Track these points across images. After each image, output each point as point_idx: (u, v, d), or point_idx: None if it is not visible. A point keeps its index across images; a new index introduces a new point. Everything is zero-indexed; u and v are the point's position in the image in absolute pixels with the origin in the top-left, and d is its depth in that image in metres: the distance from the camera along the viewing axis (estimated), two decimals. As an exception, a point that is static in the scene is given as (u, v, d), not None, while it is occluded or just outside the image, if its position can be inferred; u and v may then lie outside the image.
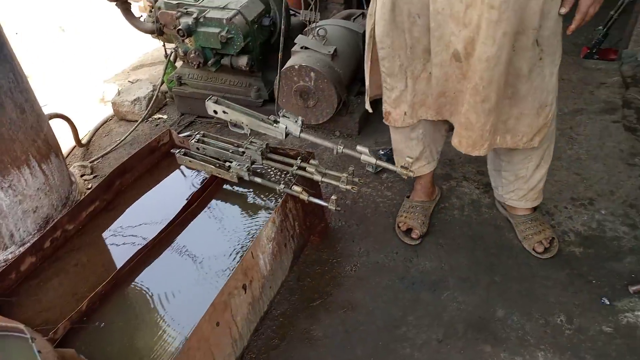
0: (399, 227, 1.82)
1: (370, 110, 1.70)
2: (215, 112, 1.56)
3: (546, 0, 1.18)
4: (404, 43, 1.40)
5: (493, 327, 1.49)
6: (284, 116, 1.49)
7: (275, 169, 1.71)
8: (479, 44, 1.23)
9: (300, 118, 1.49)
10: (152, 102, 2.63)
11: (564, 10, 1.23)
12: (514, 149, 1.52)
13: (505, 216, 1.83)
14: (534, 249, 1.69)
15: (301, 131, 1.51)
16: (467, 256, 1.72)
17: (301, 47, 2.31)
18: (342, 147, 1.46)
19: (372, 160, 1.46)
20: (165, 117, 2.68)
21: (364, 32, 2.51)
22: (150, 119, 2.66)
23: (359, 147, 1.45)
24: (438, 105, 1.49)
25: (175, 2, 2.38)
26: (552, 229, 1.74)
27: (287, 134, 1.52)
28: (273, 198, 1.64)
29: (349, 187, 1.56)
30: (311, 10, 2.80)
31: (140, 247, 1.45)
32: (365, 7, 3.55)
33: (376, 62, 1.51)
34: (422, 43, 1.37)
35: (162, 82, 2.71)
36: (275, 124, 1.51)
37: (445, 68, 1.37)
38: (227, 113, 1.55)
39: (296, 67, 2.21)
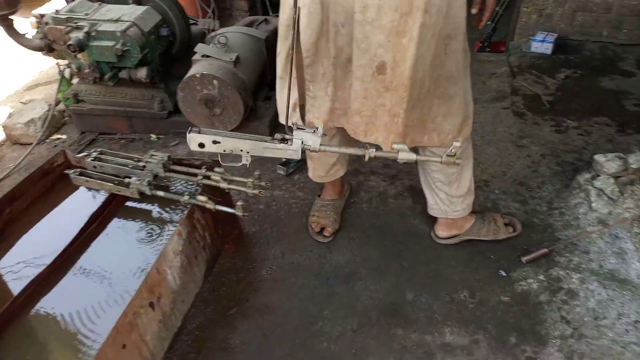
0: (311, 227, 1.85)
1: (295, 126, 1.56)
2: (202, 145, 1.26)
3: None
4: (327, 52, 1.36)
5: (404, 310, 1.56)
6: (298, 129, 1.26)
7: (185, 180, 1.67)
8: (410, 51, 1.22)
9: (320, 126, 1.25)
10: (47, 122, 2.48)
11: (474, 10, 1.30)
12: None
13: (466, 239, 1.77)
14: (509, 233, 1.76)
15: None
16: (377, 246, 1.78)
17: (202, 56, 2.28)
18: (374, 152, 1.26)
19: (413, 156, 1.24)
20: (64, 137, 2.53)
21: (267, 37, 2.54)
22: (47, 141, 2.50)
23: (395, 145, 1.25)
24: (354, 124, 1.46)
25: (64, 17, 2.26)
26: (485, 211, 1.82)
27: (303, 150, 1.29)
28: (181, 210, 1.61)
29: (256, 191, 1.56)
30: (210, 18, 2.78)
31: (34, 276, 1.36)
32: (270, 13, 3.58)
33: (301, 70, 1.40)
34: (346, 52, 1.33)
35: (59, 101, 2.57)
36: (285, 142, 1.26)
37: (366, 84, 1.34)
38: (219, 143, 1.27)
39: (198, 75, 2.18)
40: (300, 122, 1.49)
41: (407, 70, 1.25)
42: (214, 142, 1.27)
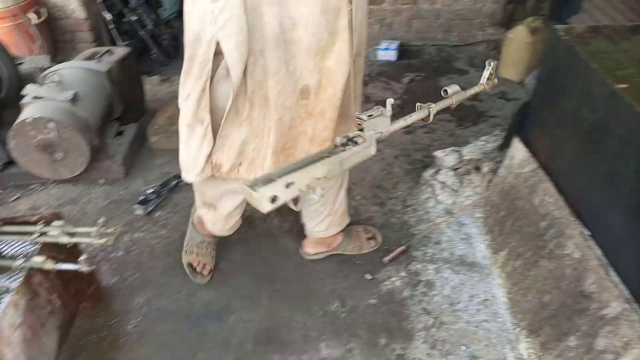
0: (191, 266, 1.72)
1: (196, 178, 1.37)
2: (275, 198, 0.89)
3: None
4: (244, 86, 1.20)
5: (279, 334, 1.55)
6: (369, 116, 1.02)
7: (22, 241, 1.49)
8: (341, 73, 1.17)
9: (389, 101, 1.02)
10: None
11: None
12: None
13: (337, 253, 1.79)
14: (371, 248, 1.79)
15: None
16: (248, 273, 1.75)
17: (33, 98, 2.07)
18: (433, 106, 1.09)
19: (465, 95, 1.11)
20: None
21: (110, 69, 2.38)
22: None
23: (449, 89, 1.10)
24: (280, 162, 1.31)
25: None
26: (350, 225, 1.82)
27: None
28: (17, 277, 1.42)
29: (102, 240, 1.45)
30: (39, 54, 2.54)
31: None
32: (119, 42, 3.39)
33: (218, 115, 1.26)
34: (263, 88, 1.19)
35: None
36: (353, 143, 1.01)
37: (291, 112, 1.23)
38: (293, 184, 0.93)
39: (29, 120, 1.97)
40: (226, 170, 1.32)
41: (338, 92, 1.21)
42: (287, 185, 0.92)
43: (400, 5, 3.21)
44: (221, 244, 1.86)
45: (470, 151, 1.95)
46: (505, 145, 1.82)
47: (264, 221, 1.97)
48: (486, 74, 1.18)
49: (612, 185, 1.25)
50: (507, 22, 3.12)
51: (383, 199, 2.05)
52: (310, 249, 1.78)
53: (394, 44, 3.21)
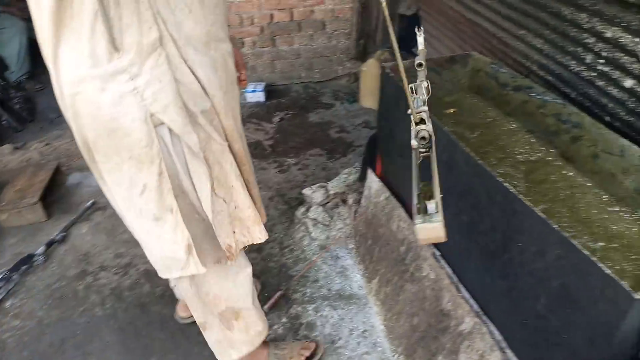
0: None
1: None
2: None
3: None
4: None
5: (158, 414, 1.43)
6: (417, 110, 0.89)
7: None
8: (235, 129, 1.16)
9: (423, 85, 0.94)
10: None
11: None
12: None
13: None
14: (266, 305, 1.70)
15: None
16: (119, 351, 1.61)
17: None
18: (423, 80, 0.98)
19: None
20: None
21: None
22: None
23: (421, 60, 0.93)
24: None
25: None
26: None
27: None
28: None
29: None
30: None
31: None
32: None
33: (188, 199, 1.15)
34: (210, 142, 1.13)
35: None
36: (423, 139, 0.89)
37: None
38: (439, 202, 0.82)
39: None
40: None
41: (245, 146, 1.22)
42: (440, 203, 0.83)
43: (260, 48, 3.29)
44: (85, 324, 1.70)
45: (335, 185, 2.01)
46: (363, 177, 1.91)
47: (133, 290, 1.84)
48: (421, 39, 1.16)
49: (447, 207, 1.36)
50: (362, 56, 3.34)
51: (261, 244, 2.03)
52: (184, 312, 1.69)
53: (261, 86, 3.27)
